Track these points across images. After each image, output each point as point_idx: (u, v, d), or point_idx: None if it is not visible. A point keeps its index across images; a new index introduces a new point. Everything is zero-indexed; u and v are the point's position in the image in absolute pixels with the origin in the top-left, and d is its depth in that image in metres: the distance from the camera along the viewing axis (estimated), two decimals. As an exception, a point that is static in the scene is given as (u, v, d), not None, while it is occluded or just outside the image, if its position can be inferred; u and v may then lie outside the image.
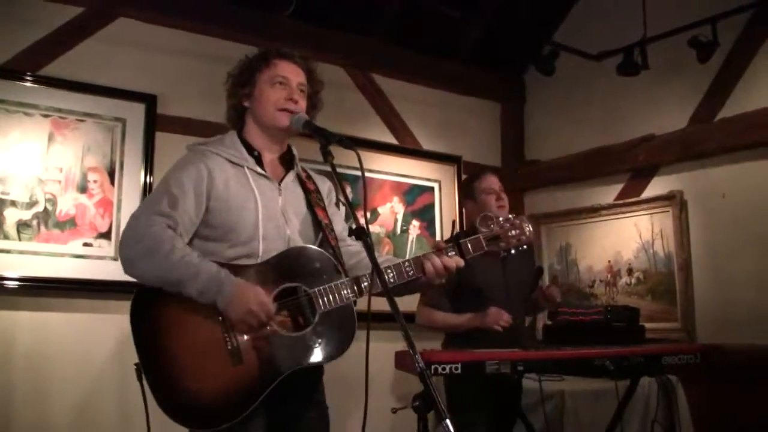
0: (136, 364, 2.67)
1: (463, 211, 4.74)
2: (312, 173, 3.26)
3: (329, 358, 2.83)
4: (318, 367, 3.02)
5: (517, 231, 3.07)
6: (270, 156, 3.10)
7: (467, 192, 4.66)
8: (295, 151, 3.19)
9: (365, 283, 2.86)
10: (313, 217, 3.08)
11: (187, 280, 2.66)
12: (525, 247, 3.10)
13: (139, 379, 2.66)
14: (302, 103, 3.06)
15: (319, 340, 2.80)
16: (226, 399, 2.67)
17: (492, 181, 4.55)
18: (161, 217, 2.76)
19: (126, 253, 2.76)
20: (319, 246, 3.04)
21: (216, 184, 2.87)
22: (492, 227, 3.07)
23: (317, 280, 2.84)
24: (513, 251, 3.10)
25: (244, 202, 2.89)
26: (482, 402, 4.33)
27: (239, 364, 2.70)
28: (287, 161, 3.15)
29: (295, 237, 2.98)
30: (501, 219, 3.08)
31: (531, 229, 3.11)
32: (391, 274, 2.89)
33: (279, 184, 3.03)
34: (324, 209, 3.13)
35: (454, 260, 2.95)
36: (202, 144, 3.06)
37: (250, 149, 3.04)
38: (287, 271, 2.84)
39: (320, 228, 3.06)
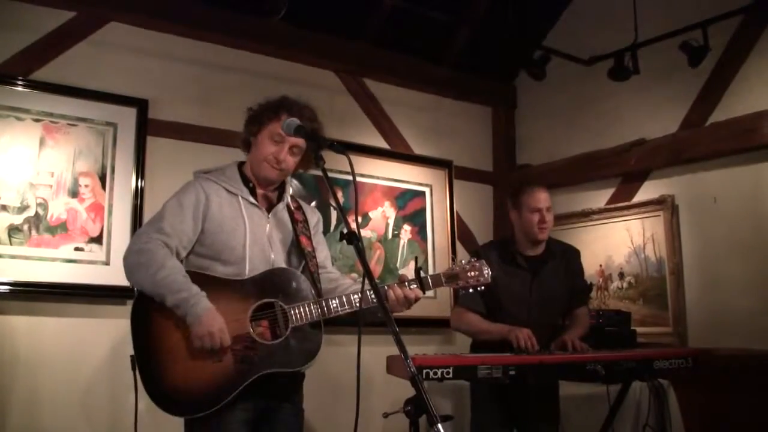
0: (131, 356, 3.06)
1: (509, 217, 4.74)
2: (304, 205, 3.61)
3: (296, 366, 3.19)
4: (297, 373, 3.34)
5: (476, 273, 3.45)
6: (263, 188, 3.45)
7: (514, 202, 4.64)
8: (287, 183, 3.51)
9: (333, 304, 3.23)
10: (297, 245, 3.43)
11: (168, 294, 3.02)
12: (481, 288, 3.47)
13: (133, 369, 3.04)
14: (290, 161, 3.36)
15: (289, 351, 3.15)
16: (203, 392, 3.03)
17: (538, 199, 4.51)
18: (159, 234, 3.14)
19: (125, 264, 3.16)
20: (301, 271, 3.39)
21: (212, 208, 3.26)
22: (453, 267, 3.47)
23: (293, 298, 3.22)
24: (471, 290, 3.46)
25: (235, 227, 3.27)
26: (501, 405, 4.35)
27: (218, 363, 3.05)
28: (279, 193, 3.50)
29: (278, 261, 3.34)
30: (463, 261, 3.48)
31: (489, 272, 3.48)
32: (356, 298, 3.24)
33: (268, 213, 3.39)
34: (309, 238, 3.47)
35: (414, 292, 3.29)
36: (206, 172, 3.41)
37: (246, 180, 3.41)
38: (269, 287, 3.22)
39: (302, 254, 3.41)
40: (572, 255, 4.78)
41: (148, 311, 3.09)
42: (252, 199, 3.35)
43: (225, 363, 3.05)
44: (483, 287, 3.46)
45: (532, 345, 4.15)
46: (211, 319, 2.99)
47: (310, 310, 3.18)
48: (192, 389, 3.02)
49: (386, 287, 3.26)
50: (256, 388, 3.08)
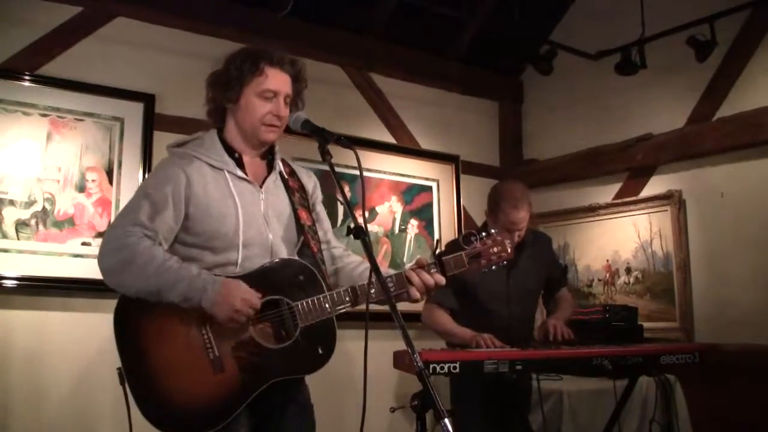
0: (118, 369, 2.72)
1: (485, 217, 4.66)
2: (297, 168, 3.24)
3: (308, 371, 2.88)
4: None
5: (499, 248, 3.08)
6: (251, 157, 3.07)
7: (491, 209, 4.50)
8: (277, 147, 3.16)
9: (347, 299, 2.88)
10: (295, 220, 3.07)
11: (168, 287, 2.68)
12: (504, 263, 3.12)
13: (122, 383, 2.71)
14: (287, 114, 3.02)
15: (299, 354, 2.82)
16: (206, 407, 2.71)
17: (513, 219, 4.33)
18: (138, 227, 2.78)
19: (103, 265, 2.79)
20: (300, 250, 3.08)
21: (195, 189, 2.87)
22: (474, 245, 3.07)
23: (300, 293, 2.85)
24: (494, 267, 3.10)
25: (224, 209, 2.89)
26: (484, 400, 4.33)
27: (220, 374, 2.73)
28: (269, 160, 3.13)
29: (277, 242, 2.98)
30: (483, 235, 3.09)
31: (512, 245, 3.15)
32: (373, 289, 2.83)
33: (261, 187, 3.02)
34: (308, 209, 3.13)
35: (435, 278, 2.95)
36: (181, 145, 3.03)
37: (230, 151, 3.01)
38: (271, 283, 2.85)
39: (302, 231, 3.05)
40: (545, 242, 4.80)
41: (134, 319, 2.75)
42: (240, 173, 2.96)
43: (228, 374, 2.73)
44: (505, 262, 3.11)
45: (494, 346, 4.07)
46: (227, 295, 2.67)
47: (321, 306, 2.83)
48: (192, 406, 2.70)
49: (404, 273, 2.94)
50: (259, 394, 2.78)
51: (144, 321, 2.75)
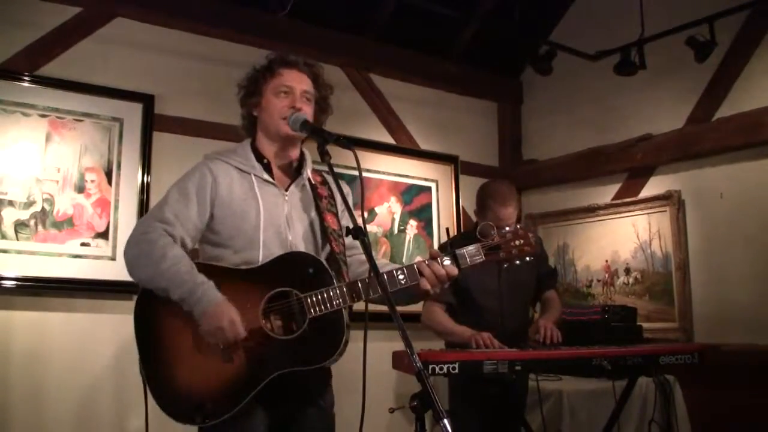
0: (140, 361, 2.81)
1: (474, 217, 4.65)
2: (329, 178, 3.22)
3: (317, 362, 2.81)
4: (322, 374, 3.04)
5: (521, 242, 2.95)
6: (280, 163, 3.13)
7: (481, 206, 4.48)
8: (307, 156, 3.21)
9: (354, 291, 2.85)
10: (320, 224, 3.08)
11: (172, 288, 2.75)
12: (529, 258, 2.96)
13: (141, 374, 2.79)
14: (307, 110, 3.07)
15: (307, 346, 2.78)
16: (215, 396, 2.74)
17: (501, 216, 4.30)
18: (161, 223, 2.86)
19: (125, 257, 2.88)
20: (328, 254, 3.06)
21: (220, 190, 2.96)
22: (492, 236, 2.95)
23: (310, 286, 2.82)
24: (518, 262, 2.96)
25: (246, 209, 2.95)
26: (482, 400, 4.32)
27: (229, 364, 2.76)
28: (298, 167, 3.17)
29: (297, 242, 3.00)
30: (507, 229, 2.97)
31: (536, 240, 2.99)
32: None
33: (286, 191, 3.06)
34: (335, 215, 3.14)
35: (447, 269, 2.88)
36: (217, 153, 3.13)
37: (260, 157, 3.09)
38: (281, 275, 2.85)
39: (326, 234, 3.05)
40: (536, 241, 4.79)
41: (152, 311, 2.82)
42: (266, 176, 3.02)
43: (237, 364, 2.75)
44: (530, 257, 2.97)
45: (493, 345, 4.07)
46: (220, 312, 2.68)
47: (329, 298, 2.79)
48: (201, 395, 2.74)
49: (415, 265, 2.87)
50: (275, 391, 2.79)
51: (160, 314, 2.82)
